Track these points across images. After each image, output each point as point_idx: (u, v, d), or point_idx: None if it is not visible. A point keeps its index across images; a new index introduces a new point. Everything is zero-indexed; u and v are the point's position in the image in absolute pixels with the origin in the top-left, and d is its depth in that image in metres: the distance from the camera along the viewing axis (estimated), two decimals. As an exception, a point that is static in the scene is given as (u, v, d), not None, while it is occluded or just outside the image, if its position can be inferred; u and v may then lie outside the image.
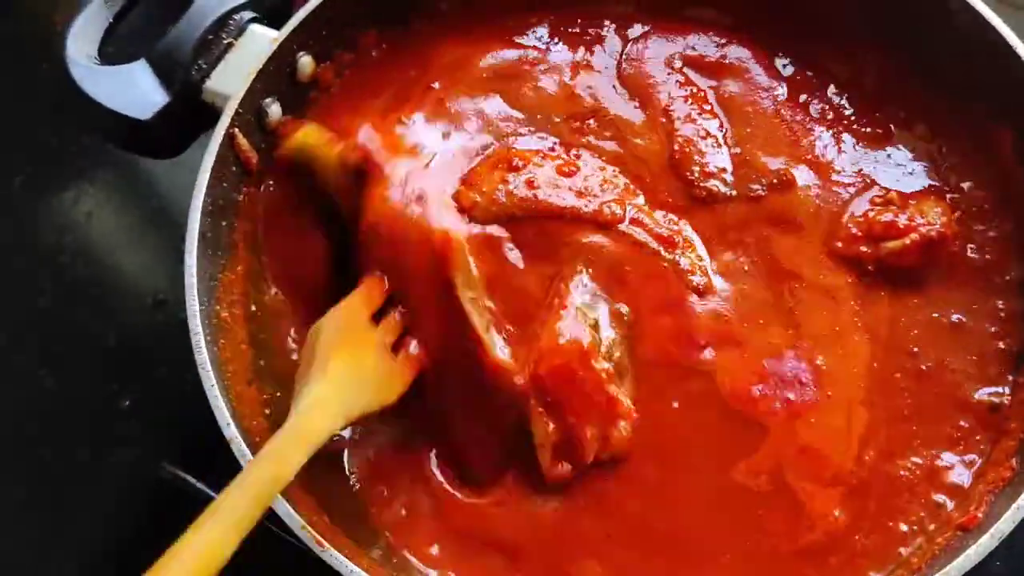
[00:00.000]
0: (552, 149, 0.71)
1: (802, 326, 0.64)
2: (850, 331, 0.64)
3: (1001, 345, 0.63)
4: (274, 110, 0.71)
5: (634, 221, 0.67)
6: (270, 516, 0.55)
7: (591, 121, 0.73)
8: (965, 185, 0.68)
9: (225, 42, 0.72)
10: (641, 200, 0.69)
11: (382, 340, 0.61)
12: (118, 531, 0.81)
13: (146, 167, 0.93)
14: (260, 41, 0.71)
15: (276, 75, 0.71)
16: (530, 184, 0.67)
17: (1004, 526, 0.52)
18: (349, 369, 0.58)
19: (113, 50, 0.75)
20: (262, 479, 0.52)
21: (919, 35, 0.71)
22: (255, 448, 0.57)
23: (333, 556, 0.54)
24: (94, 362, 0.88)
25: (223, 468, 0.57)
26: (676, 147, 0.71)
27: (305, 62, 0.72)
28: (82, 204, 0.96)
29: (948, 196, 0.68)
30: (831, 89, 0.73)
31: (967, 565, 0.51)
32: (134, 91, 0.70)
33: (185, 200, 0.94)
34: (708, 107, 0.72)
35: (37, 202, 0.97)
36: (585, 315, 0.62)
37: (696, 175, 0.70)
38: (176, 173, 0.86)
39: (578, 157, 0.70)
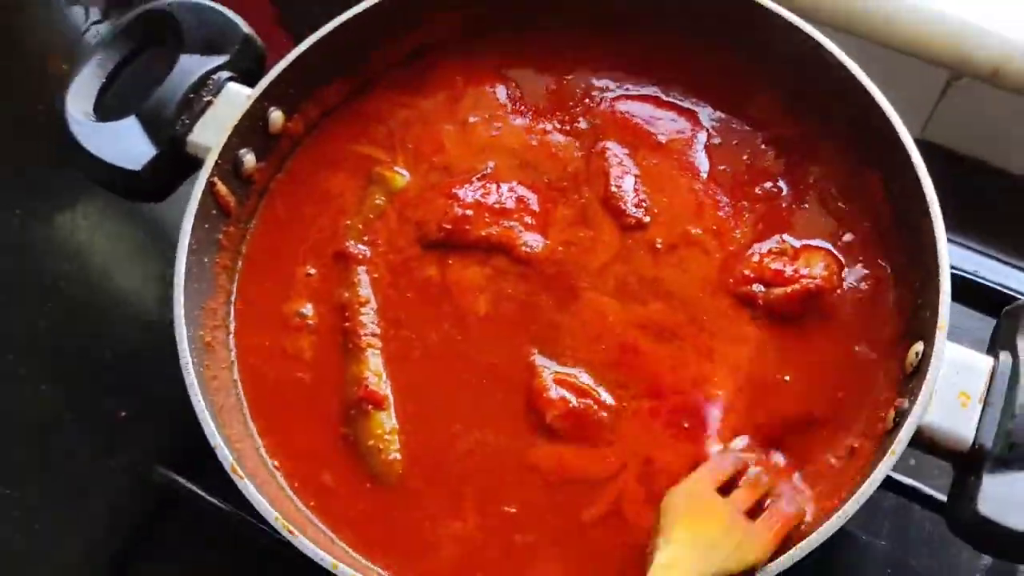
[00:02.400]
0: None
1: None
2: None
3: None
4: (249, 159, 0.80)
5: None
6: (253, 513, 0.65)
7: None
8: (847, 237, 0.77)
9: (205, 100, 0.80)
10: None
11: (732, 508, 0.63)
12: (117, 528, 0.89)
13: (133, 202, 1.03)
14: (236, 99, 0.80)
15: (250, 129, 0.80)
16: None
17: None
18: (693, 536, 0.61)
19: (109, 105, 0.83)
20: None
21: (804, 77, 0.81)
22: (237, 454, 0.67)
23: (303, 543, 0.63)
24: (92, 377, 0.97)
25: (211, 470, 0.67)
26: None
27: (276, 116, 0.81)
28: (77, 234, 1.05)
29: (837, 244, 0.76)
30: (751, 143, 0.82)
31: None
32: (126, 144, 0.79)
33: (169, 231, 1.04)
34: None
35: (36, 233, 1.06)
36: None
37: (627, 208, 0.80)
38: (160, 207, 0.93)
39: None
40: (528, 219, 0.79)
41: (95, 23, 1.23)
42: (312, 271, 0.80)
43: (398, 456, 0.72)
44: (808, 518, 0.65)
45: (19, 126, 1.13)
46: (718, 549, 0.60)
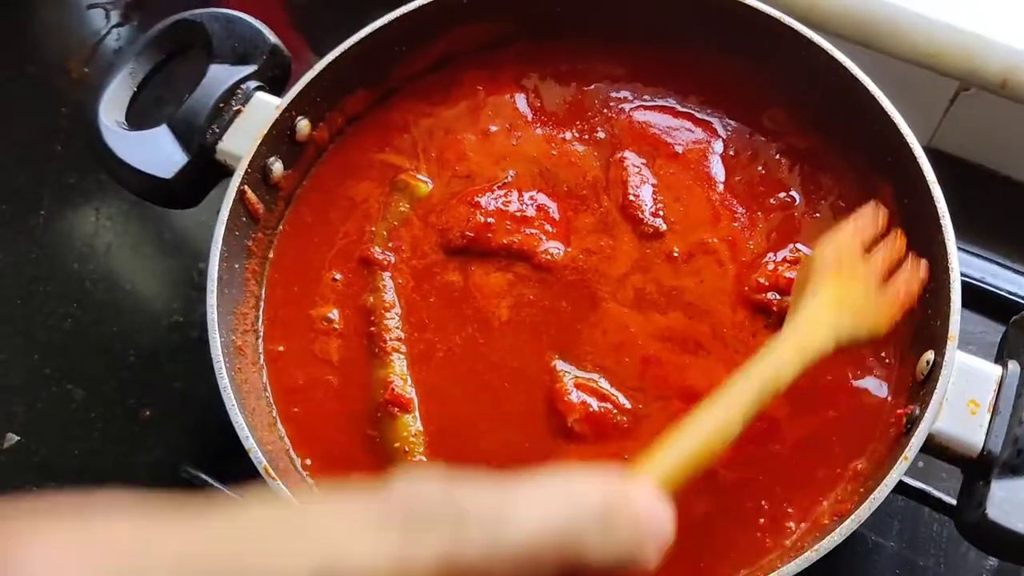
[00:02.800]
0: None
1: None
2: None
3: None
4: (277, 167, 0.82)
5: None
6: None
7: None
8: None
9: (234, 109, 0.83)
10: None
11: (874, 271, 0.64)
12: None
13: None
14: (265, 108, 0.82)
15: (278, 137, 0.82)
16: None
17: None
18: (838, 295, 0.61)
19: (138, 113, 0.86)
20: (764, 377, 0.56)
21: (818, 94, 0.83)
22: (268, 456, 0.69)
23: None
24: (117, 377, 0.99)
25: (236, 468, 0.69)
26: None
27: (303, 125, 0.84)
28: (101, 236, 1.07)
29: None
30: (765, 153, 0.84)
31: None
32: (158, 153, 0.81)
33: (193, 232, 1.07)
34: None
35: (60, 235, 1.08)
36: None
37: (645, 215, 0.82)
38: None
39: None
40: (548, 227, 0.82)
41: (116, 26, 1.25)
42: (338, 276, 0.82)
43: (423, 458, 0.74)
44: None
45: (41, 128, 1.15)
46: (856, 313, 0.61)
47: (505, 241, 0.80)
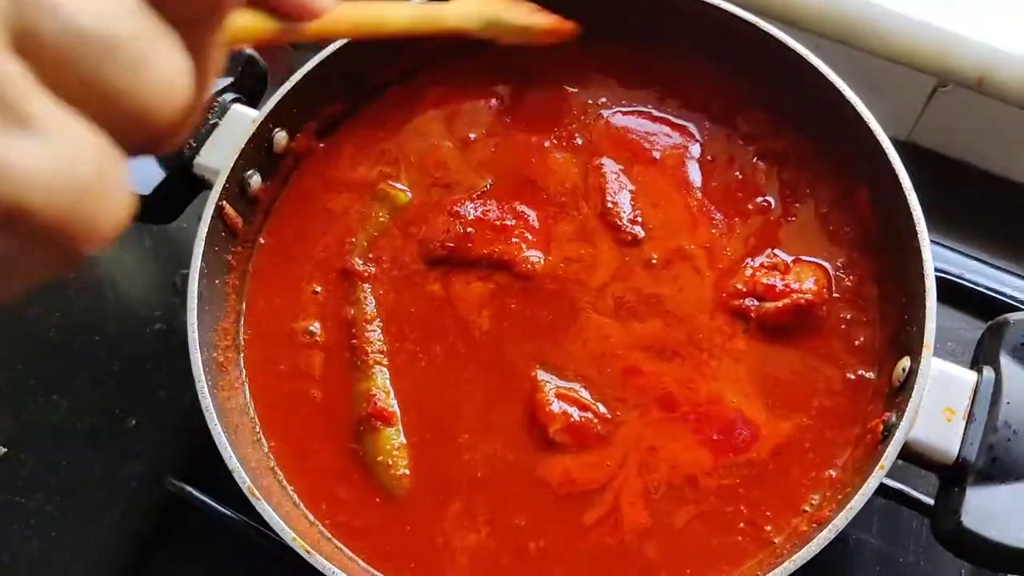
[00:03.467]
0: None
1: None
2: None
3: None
4: (255, 180, 0.82)
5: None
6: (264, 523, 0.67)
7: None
8: (836, 251, 0.80)
9: (211, 123, 0.82)
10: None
11: None
12: (130, 537, 0.92)
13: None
14: (242, 121, 0.82)
15: (256, 150, 0.81)
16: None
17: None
18: None
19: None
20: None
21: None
22: (252, 474, 0.69)
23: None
24: (101, 386, 0.98)
25: (221, 480, 0.69)
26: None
27: (280, 137, 0.83)
28: (83, 244, 1.07)
29: (826, 258, 0.79)
30: (742, 158, 0.85)
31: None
32: (134, 169, 0.80)
33: (173, 238, 1.06)
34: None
35: (42, 243, 1.08)
36: None
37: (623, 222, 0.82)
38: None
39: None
40: (529, 235, 0.82)
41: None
42: (319, 289, 0.82)
43: (407, 471, 0.74)
44: None
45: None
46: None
47: (485, 251, 0.81)
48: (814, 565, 0.65)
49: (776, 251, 0.80)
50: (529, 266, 0.80)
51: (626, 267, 0.80)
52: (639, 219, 0.82)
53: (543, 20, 0.75)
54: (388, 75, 0.90)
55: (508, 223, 0.82)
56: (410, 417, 0.77)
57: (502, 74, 0.90)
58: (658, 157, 0.85)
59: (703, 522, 0.72)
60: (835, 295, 0.78)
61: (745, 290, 0.78)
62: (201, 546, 0.91)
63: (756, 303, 0.77)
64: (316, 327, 0.80)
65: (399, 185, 0.86)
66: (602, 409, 0.75)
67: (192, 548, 0.92)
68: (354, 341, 0.79)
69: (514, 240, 0.81)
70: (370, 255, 0.83)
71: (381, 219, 0.84)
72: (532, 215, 0.83)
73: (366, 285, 0.81)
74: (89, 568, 0.91)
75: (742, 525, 0.71)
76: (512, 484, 0.74)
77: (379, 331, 0.80)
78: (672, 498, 0.73)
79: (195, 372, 0.72)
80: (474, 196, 0.84)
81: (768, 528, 0.71)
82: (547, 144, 0.87)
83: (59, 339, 1.02)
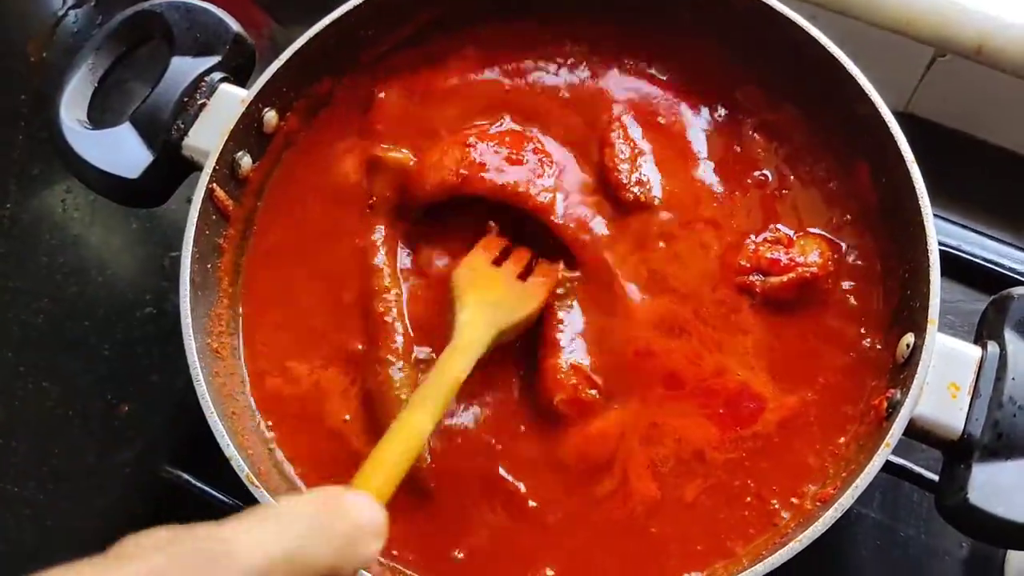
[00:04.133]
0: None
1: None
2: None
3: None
4: (245, 161, 0.80)
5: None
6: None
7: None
8: (838, 223, 0.79)
9: (199, 103, 0.80)
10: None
11: (508, 272, 0.77)
12: (125, 525, 0.91)
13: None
14: (230, 101, 0.80)
15: (246, 131, 0.80)
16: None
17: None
18: (482, 296, 0.74)
19: (99, 112, 0.83)
20: (444, 382, 0.65)
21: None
22: (250, 462, 0.68)
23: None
24: (92, 371, 0.97)
25: (218, 467, 0.67)
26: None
27: (270, 116, 0.82)
28: (69, 228, 1.05)
29: (829, 230, 0.78)
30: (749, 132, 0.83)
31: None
32: (122, 152, 0.78)
33: (163, 220, 1.05)
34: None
35: (28, 229, 1.05)
36: None
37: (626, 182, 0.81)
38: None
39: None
40: (545, 170, 0.81)
41: (72, 7, 1.21)
42: (315, 269, 0.81)
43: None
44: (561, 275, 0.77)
45: (1, 115, 1.12)
46: (503, 304, 0.74)
47: (500, 183, 0.79)
48: (817, 539, 0.64)
49: (779, 226, 0.79)
50: (543, 200, 0.79)
51: (634, 236, 0.79)
52: (643, 182, 0.80)
53: (542, 294, 0.76)
54: (381, 49, 0.88)
55: (523, 157, 0.81)
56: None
57: (498, 48, 0.88)
58: (663, 124, 0.84)
59: (711, 496, 0.71)
60: (838, 268, 0.77)
61: (749, 266, 0.77)
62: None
63: (761, 278, 0.76)
64: (314, 307, 0.79)
65: (397, 153, 0.83)
66: (607, 384, 0.74)
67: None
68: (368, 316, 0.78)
69: (526, 175, 0.80)
70: (374, 227, 0.81)
71: (382, 185, 0.82)
72: (548, 147, 0.82)
73: (371, 258, 0.80)
74: (83, 556, 0.90)
75: (749, 499, 0.71)
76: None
77: (395, 298, 0.78)
78: (681, 472, 0.72)
79: (190, 360, 0.71)
80: (488, 132, 0.82)
81: (774, 502, 0.71)
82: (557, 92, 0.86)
83: (48, 325, 1.00)
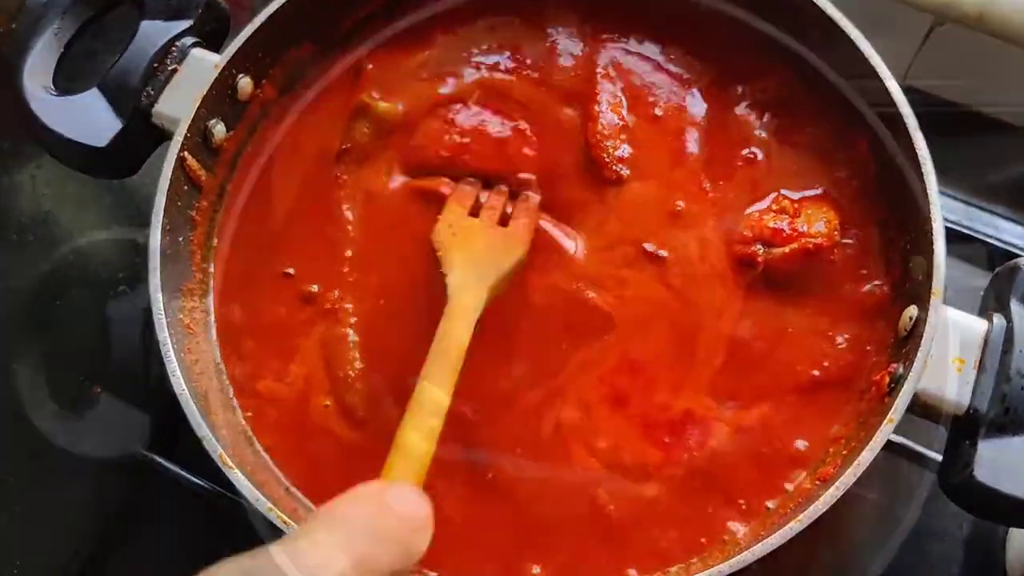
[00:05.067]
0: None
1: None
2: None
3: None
4: (219, 130, 0.77)
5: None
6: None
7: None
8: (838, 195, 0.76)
9: (170, 68, 0.77)
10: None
11: (488, 221, 0.74)
12: (98, 510, 0.89)
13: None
14: (203, 66, 0.76)
15: (218, 98, 0.76)
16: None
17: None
18: (468, 254, 0.71)
19: (66, 76, 0.80)
20: (448, 351, 0.64)
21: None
22: (224, 441, 0.65)
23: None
24: (64, 353, 0.94)
25: (193, 449, 0.65)
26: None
27: (244, 83, 0.78)
28: (40, 205, 1.01)
29: (831, 201, 0.75)
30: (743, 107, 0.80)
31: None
32: (89, 119, 0.75)
33: (135, 195, 1.01)
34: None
35: (-4, 204, 1.03)
36: None
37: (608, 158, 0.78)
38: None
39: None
40: (527, 150, 0.78)
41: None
42: (290, 243, 0.78)
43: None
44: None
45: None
46: (490, 256, 0.72)
47: (482, 166, 0.77)
48: (815, 519, 0.62)
49: (784, 191, 0.76)
50: (525, 176, 0.77)
51: (617, 207, 0.77)
52: (627, 158, 0.77)
53: (527, 235, 0.75)
54: (362, 14, 0.84)
55: (506, 135, 0.78)
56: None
57: (488, 10, 0.84)
58: (654, 101, 0.80)
59: (723, 457, 0.70)
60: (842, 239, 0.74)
61: (751, 236, 0.74)
62: (173, 518, 0.88)
63: (763, 249, 0.73)
64: (292, 271, 0.77)
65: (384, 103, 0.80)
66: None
67: (164, 520, 0.88)
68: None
69: (509, 154, 0.78)
70: (345, 177, 0.79)
71: (365, 130, 0.80)
72: (526, 129, 0.79)
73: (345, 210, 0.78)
74: (56, 541, 0.88)
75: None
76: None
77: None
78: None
79: (159, 336, 0.68)
80: (469, 103, 0.79)
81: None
82: (540, 73, 0.82)
83: (17, 305, 0.97)
